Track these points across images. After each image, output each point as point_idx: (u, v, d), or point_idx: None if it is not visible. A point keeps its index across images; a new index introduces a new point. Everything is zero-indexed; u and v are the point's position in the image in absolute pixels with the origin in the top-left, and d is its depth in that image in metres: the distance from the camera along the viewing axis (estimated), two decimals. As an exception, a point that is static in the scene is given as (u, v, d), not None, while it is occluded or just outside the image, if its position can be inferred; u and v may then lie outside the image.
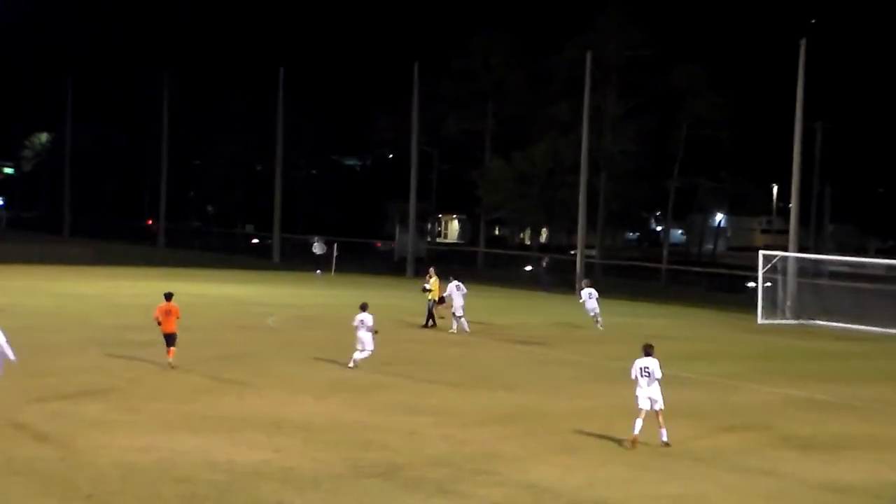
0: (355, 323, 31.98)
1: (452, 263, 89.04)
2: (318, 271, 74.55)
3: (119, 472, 19.50)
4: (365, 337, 31.85)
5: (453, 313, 43.31)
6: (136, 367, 31.31)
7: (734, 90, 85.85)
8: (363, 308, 32.13)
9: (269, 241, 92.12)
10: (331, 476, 19.83)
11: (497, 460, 21.49)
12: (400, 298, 58.09)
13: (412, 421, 24.84)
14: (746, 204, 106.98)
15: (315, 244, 79.34)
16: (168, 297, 31.57)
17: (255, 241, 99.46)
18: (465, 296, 43.52)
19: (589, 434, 24.42)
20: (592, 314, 46.72)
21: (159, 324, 31.27)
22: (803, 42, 58.04)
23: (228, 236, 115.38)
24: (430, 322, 45.02)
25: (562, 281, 69.50)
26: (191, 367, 31.59)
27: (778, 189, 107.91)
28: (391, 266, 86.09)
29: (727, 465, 21.95)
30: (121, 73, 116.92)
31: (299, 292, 58.98)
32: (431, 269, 47.71)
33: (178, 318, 31.36)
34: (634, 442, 22.83)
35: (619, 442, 23.32)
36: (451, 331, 42.85)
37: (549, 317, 50.30)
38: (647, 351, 23.36)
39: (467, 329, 42.88)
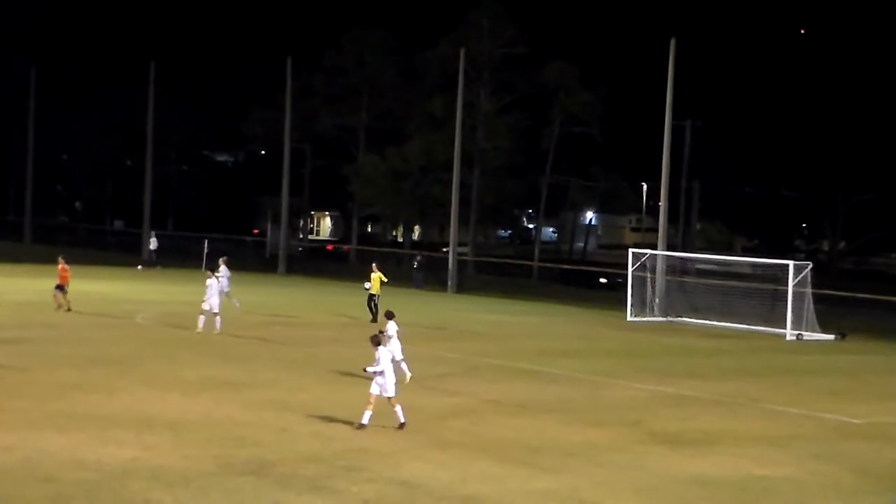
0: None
1: (327, 260, 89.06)
2: (140, 267, 73.51)
3: (-18, 472, 19.07)
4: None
5: (208, 310, 39.40)
6: None
7: (606, 87, 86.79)
8: (389, 317, 30.30)
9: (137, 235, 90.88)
10: (201, 473, 19.61)
11: (368, 456, 21.45)
12: (271, 295, 57.80)
13: (283, 418, 24.69)
14: (617, 202, 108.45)
15: (152, 240, 78.92)
16: None
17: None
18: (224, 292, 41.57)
19: (459, 430, 24.50)
20: (226, 292, 46.97)
21: None
22: (673, 41, 58.89)
23: (97, 232, 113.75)
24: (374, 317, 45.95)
25: (434, 278, 69.66)
26: (57, 364, 31.06)
27: (647, 187, 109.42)
28: (263, 262, 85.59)
29: (597, 460, 22.17)
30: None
31: (168, 289, 58.30)
32: (374, 265, 48.67)
33: None
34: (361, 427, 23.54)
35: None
36: (197, 330, 39.16)
37: (420, 314, 50.37)
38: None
39: (218, 328, 39.35)
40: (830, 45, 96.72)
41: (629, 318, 54.26)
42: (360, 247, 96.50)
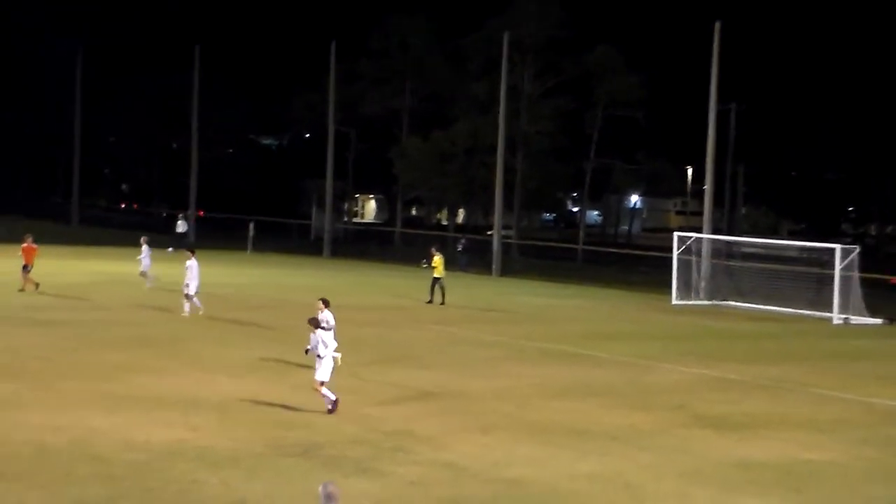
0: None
1: (370, 243, 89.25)
2: (170, 249, 73.32)
3: (32, 451, 19.30)
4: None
5: (186, 293, 38.92)
6: (49, 346, 30.96)
7: (650, 71, 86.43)
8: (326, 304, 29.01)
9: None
10: (248, 455, 19.78)
11: (414, 439, 21.57)
12: (317, 278, 57.99)
13: (329, 400, 24.81)
14: (661, 185, 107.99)
15: (179, 222, 78.99)
16: None
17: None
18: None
19: (504, 413, 24.57)
20: (146, 270, 47.20)
21: None
22: (718, 24, 58.56)
23: (144, 214, 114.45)
24: (434, 298, 47.05)
25: (479, 261, 69.72)
26: (105, 346, 31.35)
27: (692, 171, 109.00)
28: (308, 245, 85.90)
29: (641, 443, 22.19)
30: (33, 46, 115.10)
31: (214, 271, 58.58)
32: (434, 247, 49.24)
33: None
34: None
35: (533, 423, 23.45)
36: (183, 314, 38.64)
37: (465, 297, 50.44)
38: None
39: (200, 307, 38.92)
40: (878, 25, 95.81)
41: (674, 301, 54.10)
42: (404, 229, 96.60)
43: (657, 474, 19.82)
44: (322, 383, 23.42)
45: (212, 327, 36.65)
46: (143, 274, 47.50)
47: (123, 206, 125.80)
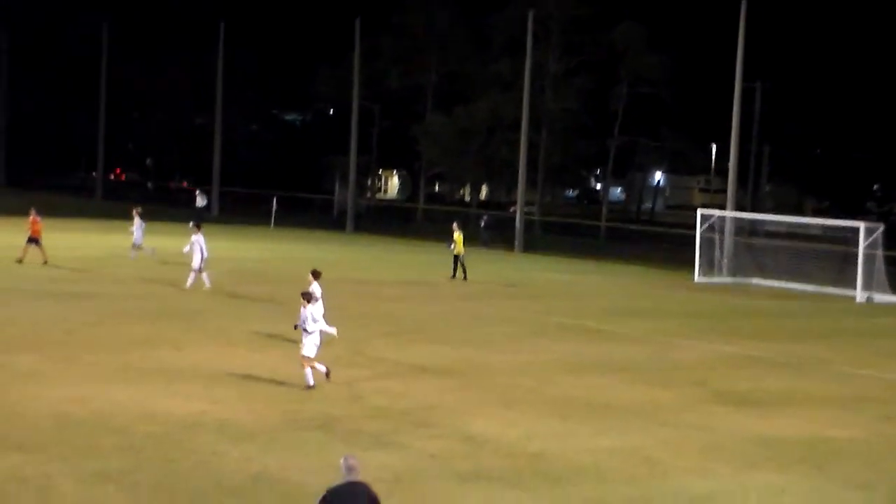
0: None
1: (393, 219, 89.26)
2: (192, 224, 72.89)
3: (53, 423, 19.37)
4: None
5: (194, 268, 38.54)
6: (70, 318, 31.05)
7: (675, 49, 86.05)
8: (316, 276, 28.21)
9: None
10: (268, 428, 19.81)
11: (435, 413, 21.56)
12: (339, 253, 58.06)
13: (350, 374, 24.84)
14: (685, 163, 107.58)
15: (197, 197, 78.95)
16: None
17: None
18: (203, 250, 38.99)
19: (525, 388, 24.55)
20: (139, 243, 47.02)
21: None
22: (744, 1, 58.23)
23: (166, 190, 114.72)
24: (458, 274, 47.09)
25: (501, 238, 69.66)
26: (127, 319, 31.43)
27: (716, 148, 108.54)
28: (331, 221, 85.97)
29: (662, 419, 22.14)
30: (59, 22, 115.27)
31: (237, 245, 58.73)
32: (455, 224, 48.94)
33: None
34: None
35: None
36: (185, 286, 38.35)
37: (487, 273, 50.40)
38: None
39: (207, 283, 38.48)
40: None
41: (697, 278, 53.95)
42: (426, 206, 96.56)
43: (678, 450, 19.78)
44: (307, 359, 23.17)
45: (232, 301, 36.68)
46: (134, 246, 47.27)
47: (148, 183, 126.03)
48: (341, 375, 24.45)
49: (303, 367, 23.18)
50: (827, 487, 18.11)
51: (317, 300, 24.31)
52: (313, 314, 23.25)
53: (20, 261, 43.51)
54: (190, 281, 38.40)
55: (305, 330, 23.18)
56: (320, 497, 11.25)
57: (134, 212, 48.31)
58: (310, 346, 23.14)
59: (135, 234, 47.33)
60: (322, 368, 23.41)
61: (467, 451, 18.94)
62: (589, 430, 20.90)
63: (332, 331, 23.78)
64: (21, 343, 26.83)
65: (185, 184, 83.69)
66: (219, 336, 29.35)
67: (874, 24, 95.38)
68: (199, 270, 38.45)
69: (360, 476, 11.40)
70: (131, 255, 46.97)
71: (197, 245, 38.45)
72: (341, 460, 11.54)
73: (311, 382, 23.00)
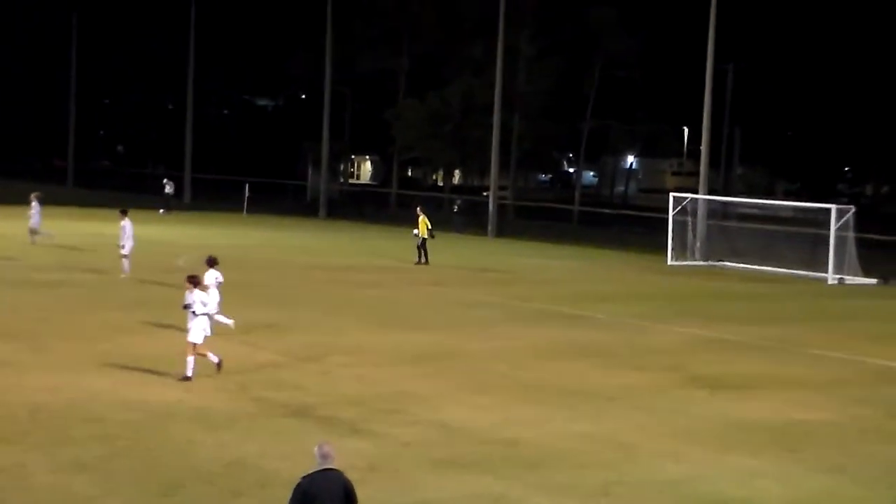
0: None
1: (366, 204, 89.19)
2: (161, 211, 72.76)
3: (28, 413, 19.33)
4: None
5: (122, 254, 38.20)
6: (44, 307, 30.97)
7: (647, 31, 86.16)
8: (210, 264, 27.57)
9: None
10: (243, 415, 19.83)
11: (409, 400, 21.61)
12: (312, 239, 58.02)
13: (324, 361, 24.87)
14: (658, 146, 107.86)
15: (165, 185, 78.84)
16: None
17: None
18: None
19: (499, 374, 24.61)
20: (36, 227, 47.16)
21: None
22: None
23: (139, 176, 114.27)
24: (423, 259, 47.32)
25: (474, 222, 69.70)
26: (101, 307, 31.36)
27: (688, 131, 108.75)
28: (304, 207, 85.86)
29: (636, 403, 22.24)
30: (28, 7, 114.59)
31: (209, 233, 58.61)
32: (418, 209, 49.30)
33: None
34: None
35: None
36: (121, 276, 37.87)
37: (460, 258, 50.46)
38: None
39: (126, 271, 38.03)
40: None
41: (670, 262, 54.14)
42: (400, 190, 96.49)
43: (651, 434, 19.88)
44: (195, 346, 22.41)
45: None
46: (31, 231, 47.17)
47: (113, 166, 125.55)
48: (316, 362, 24.47)
49: (186, 353, 22.35)
50: (799, 470, 18.22)
51: (207, 286, 24.15)
52: (202, 299, 22.80)
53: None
54: (125, 266, 37.94)
55: (193, 312, 22.48)
56: (295, 485, 11.28)
57: (32, 196, 48.16)
58: (197, 331, 22.41)
59: (32, 218, 47.21)
60: (214, 359, 22.78)
61: (442, 438, 19.00)
62: (563, 416, 20.98)
63: (229, 322, 23.45)
64: (-6, 332, 26.75)
65: (165, 177, 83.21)
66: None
67: (845, 7, 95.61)
68: (128, 255, 38.00)
69: (335, 463, 11.43)
70: (31, 239, 47.06)
71: (127, 230, 38.00)
72: (315, 448, 11.54)
73: (190, 373, 22.22)
